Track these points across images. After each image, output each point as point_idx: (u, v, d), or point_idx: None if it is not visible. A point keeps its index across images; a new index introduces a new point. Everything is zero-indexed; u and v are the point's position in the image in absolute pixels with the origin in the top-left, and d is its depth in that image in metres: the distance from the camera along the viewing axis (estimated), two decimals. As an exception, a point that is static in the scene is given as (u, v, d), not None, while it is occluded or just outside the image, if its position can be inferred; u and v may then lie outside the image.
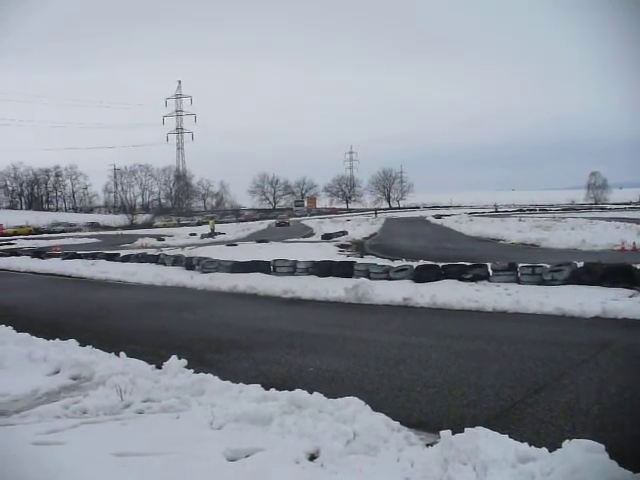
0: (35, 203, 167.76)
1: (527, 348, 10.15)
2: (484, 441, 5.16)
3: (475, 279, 17.58)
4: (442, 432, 5.62)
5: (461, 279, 17.75)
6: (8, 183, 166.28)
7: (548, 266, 17.05)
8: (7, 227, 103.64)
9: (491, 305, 14.14)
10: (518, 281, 17.01)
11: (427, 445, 5.84)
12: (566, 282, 16.22)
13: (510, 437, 5.36)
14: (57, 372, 9.36)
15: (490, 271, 17.81)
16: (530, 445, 5.24)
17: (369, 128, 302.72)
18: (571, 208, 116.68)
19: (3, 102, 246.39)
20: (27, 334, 11.80)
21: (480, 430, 5.38)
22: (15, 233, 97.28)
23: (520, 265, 17.61)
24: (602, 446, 4.71)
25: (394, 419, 6.37)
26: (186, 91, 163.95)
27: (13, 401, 8.06)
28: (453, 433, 5.51)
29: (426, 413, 7.15)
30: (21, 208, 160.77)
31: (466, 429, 5.46)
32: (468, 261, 19.75)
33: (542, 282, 16.49)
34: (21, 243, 64.60)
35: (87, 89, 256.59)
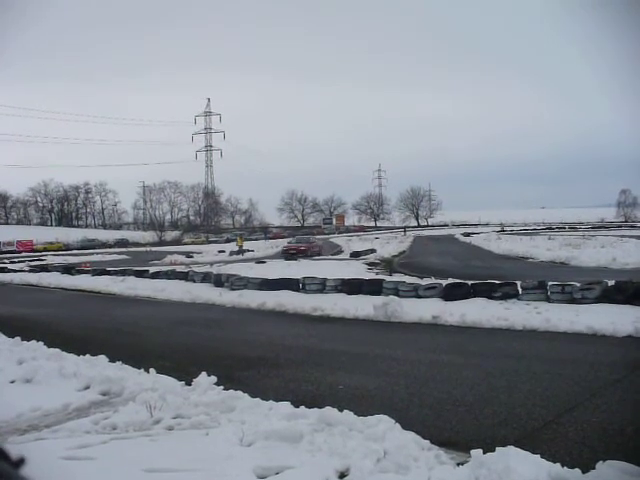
0: (65, 220, 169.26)
1: (558, 367, 10.06)
2: (516, 461, 5.12)
3: (504, 297, 17.46)
4: (473, 451, 5.59)
5: (490, 297, 17.63)
6: (39, 199, 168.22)
7: (578, 284, 16.89)
8: (37, 243, 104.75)
9: (521, 323, 14.03)
10: (548, 299, 16.86)
11: (458, 464, 5.81)
12: (597, 301, 16.03)
13: (542, 457, 5.32)
14: (87, 387, 9.42)
15: (520, 289, 17.69)
16: (563, 466, 5.20)
17: (394, 145, 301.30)
18: (601, 226, 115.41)
19: (32, 119, 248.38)
20: (58, 349, 11.89)
21: (512, 449, 5.34)
22: (45, 249, 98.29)
23: (550, 283, 17.46)
24: (637, 468, 4.66)
25: (424, 438, 6.36)
26: (214, 106, 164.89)
27: (44, 415, 8.13)
28: (484, 452, 5.48)
29: (457, 432, 7.10)
30: (51, 224, 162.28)
31: (497, 448, 5.42)
32: (497, 279, 19.61)
33: (572, 300, 16.33)
34: (51, 259, 65.04)
35: (115, 106, 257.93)
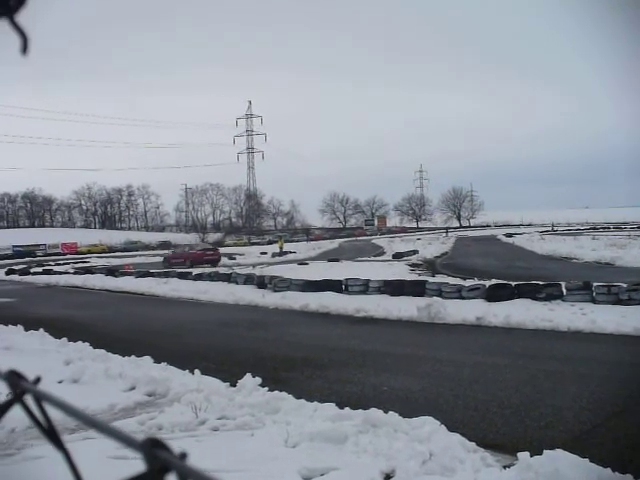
0: (108, 222, 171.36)
1: (605, 369, 9.93)
2: (564, 464, 5.06)
3: (549, 298, 17.27)
4: (520, 454, 5.54)
5: (534, 298, 17.44)
6: (82, 203, 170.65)
7: (625, 285, 16.65)
8: (81, 246, 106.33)
9: (566, 325, 13.87)
10: (593, 300, 16.64)
11: (504, 467, 5.77)
12: (644, 302, 15.79)
13: (591, 461, 5.24)
14: (133, 388, 9.51)
15: (564, 290, 17.48)
16: (614, 471, 5.11)
17: (435, 145, 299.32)
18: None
19: (75, 123, 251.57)
20: (103, 350, 12.06)
21: (559, 453, 5.27)
22: (89, 251, 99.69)
23: (595, 284, 17.23)
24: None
25: (470, 440, 6.31)
26: (255, 108, 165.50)
27: (91, 415, 8.22)
28: (531, 455, 5.42)
29: (502, 434, 7.05)
30: (95, 227, 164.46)
31: (545, 451, 5.36)
32: (541, 280, 19.43)
33: (618, 302, 16.08)
34: (95, 261, 66.02)
35: (155, 110, 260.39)
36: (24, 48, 0.89)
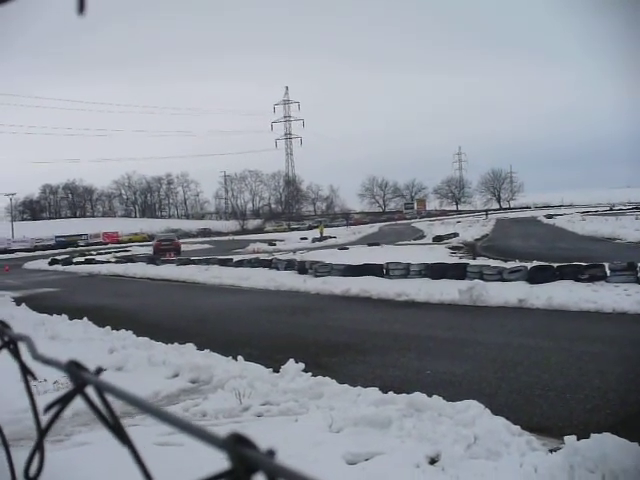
0: (148, 211, 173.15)
1: (652, 351, 9.83)
2: (612, 448, 4.97)
3: (592, 280, 17.05)
4: (566, 437, 5.48)
5: (577, 280, 17.24)
6: (123, 192, 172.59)
7: (671, 265, 16.40)
8: (122, 235, 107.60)
9: (610, 306, 13.71)
10: (638, 281, 16.38)
11: (550, 451, 5.72)
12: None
13: (640, 446, 5.16)
14: (176, 375, 9.59)
15: (607, 271, 17.22)
16: (665, 455, 5.03)
17: (473, 126, 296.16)
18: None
19: (110, 113, 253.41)
20: (147, 338, 12.18)
21: (607, 436, 5.18)
22: (130, 240, 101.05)
23: (640, 264, 17.00)
24: None
25: (514, 423, 6.28)
26: (292, 94, 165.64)
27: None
28: (578, 439, 5.36)
29: (547, 417, 7.01)
30: (135, 216, 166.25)
31: (592, 435, 5.27)
32: (583, 261, 19.18)
33: (664, 282, 15.86)
34: (136, 250, 66.66)
35: (196, 97, 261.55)
36: (80, 7, 0.84)
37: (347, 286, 19.89)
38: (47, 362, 1.03)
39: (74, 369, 0.95)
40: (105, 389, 0.88)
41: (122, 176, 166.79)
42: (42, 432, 1.04)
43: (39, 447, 1.03)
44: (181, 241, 63.70)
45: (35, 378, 1.21)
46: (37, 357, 1.07)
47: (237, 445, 0.63)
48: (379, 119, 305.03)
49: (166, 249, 53.43)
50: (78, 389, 0.93)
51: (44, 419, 1.05)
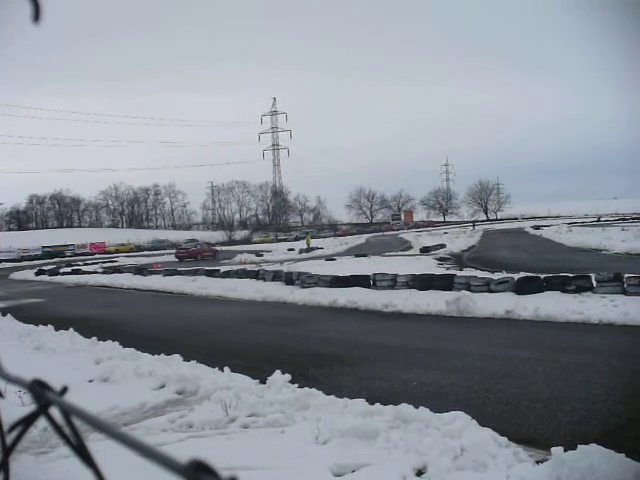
0: (135, 221, 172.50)
1: (639, 362, 9.82)
2: (599, 459, 4.96)
3: (578, 290, 17.10)
4: (553, 449, 5.46)
5: (564, 291, 17.29)
6: (110, 202, 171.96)
7: (657, 276, 16.45)
8: (109, 245, 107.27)
9: (597, 317, 13.72)
10: (624, 292, 16.40)
11: (537, 462, 5.71)
12: (677, 293, 15.58)
13: (627, 457, 5.14)
14: (163, 386, 9.55)
15: (594, 282, 17.29)
16: (650, 466, 5.01)
17: (460, 138, 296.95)
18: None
19: (98, 124, 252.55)
20: (133, 349, 12.14)
21: (594, 447, 5.17)
22: (117, 251, 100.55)
23: (627, 275, 17.02)
24: None
25: (501, 434, 6.26)
26: (280, 104, 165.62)
27: (122, 414, 8.28)
28: (565, 450, 5.34)
29: (534, 429, 7.00)
30: (122, 227, 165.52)
31: (579, 446, 5.26)
32: (570, 272, 19.23)
33: (651, 293, 15.89)
34: (123, 260, 66.32)
35: (183, 108, 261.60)
36: (36, 16, 0.83)
37: (334, 297, 19.86)
38: (10, 380, 0.99)
39: (37, 389, 0.91)
40: (69, 410, 0.84)
41: (109, 186, 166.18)
42: (7, 451, 1.00)
43: (3, 466, 0.99)
44: (168, 251, 65.26)
45: (2, 396, 1.17)
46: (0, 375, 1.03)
47: (197, 472, 0.60)
48: (366, 131, 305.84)
49: (201, 253, 61.32)
50: (41, 409, 0.90)
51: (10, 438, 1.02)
